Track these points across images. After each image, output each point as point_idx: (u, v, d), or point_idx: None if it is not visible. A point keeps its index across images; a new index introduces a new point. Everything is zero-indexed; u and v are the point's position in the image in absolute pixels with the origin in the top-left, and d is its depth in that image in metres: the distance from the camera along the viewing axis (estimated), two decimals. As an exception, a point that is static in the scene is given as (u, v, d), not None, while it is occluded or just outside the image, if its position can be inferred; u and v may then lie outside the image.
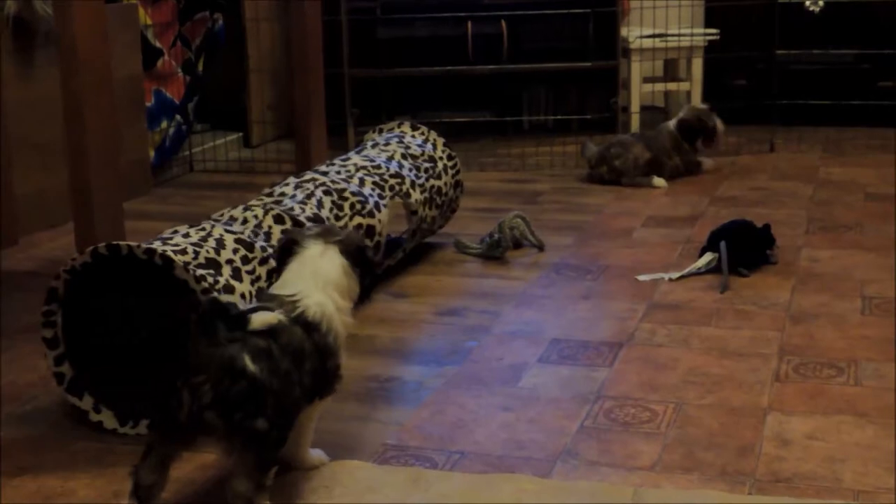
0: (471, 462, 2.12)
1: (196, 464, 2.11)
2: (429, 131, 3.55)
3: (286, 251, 2.07)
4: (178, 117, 4.76)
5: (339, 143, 4.72)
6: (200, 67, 4.89)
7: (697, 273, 3.18)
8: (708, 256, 3.22)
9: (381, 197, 3.05)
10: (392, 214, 3.10)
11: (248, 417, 1.80)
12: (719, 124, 4.53)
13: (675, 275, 3.17)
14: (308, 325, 1.95)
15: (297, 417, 1.94)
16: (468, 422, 2.30)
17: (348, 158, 3.24)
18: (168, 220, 3.76)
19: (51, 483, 2.08)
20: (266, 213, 2.66)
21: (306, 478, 2.06)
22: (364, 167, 3.15)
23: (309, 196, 2.86)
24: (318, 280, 2.00)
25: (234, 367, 1.80)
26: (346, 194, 2.94)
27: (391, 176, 3.17)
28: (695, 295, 3.03)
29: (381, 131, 3.60)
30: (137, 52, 4.38)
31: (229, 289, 2.31)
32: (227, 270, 2.36)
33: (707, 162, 4.60)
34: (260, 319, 1.86)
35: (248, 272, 2.42)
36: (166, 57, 4.64)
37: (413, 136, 3.51)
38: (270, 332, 1.87)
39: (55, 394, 2.45)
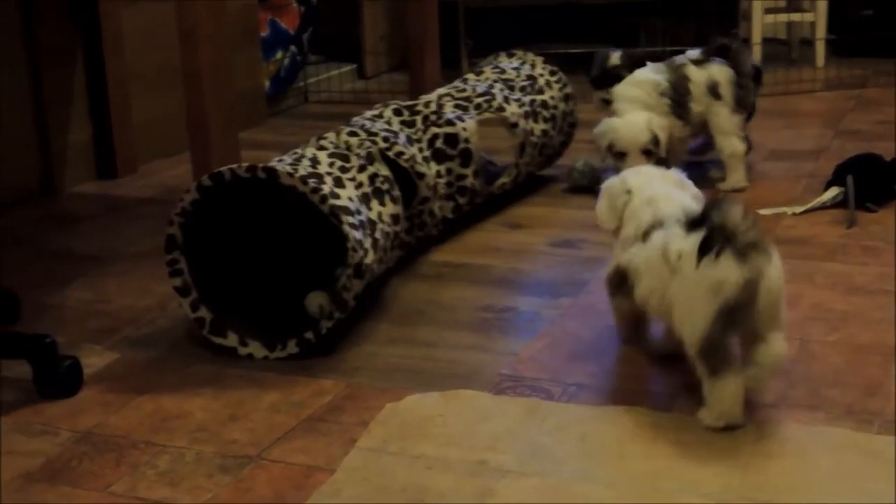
0: (587, 394, 2.08)
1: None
2: (525, 54, 3.50)
3: None
4: (292, 48, 4.75)
5: (453, 75, 4.66)
6: (315, -3, 4.87)
7: (822, 207, 3.08)
8: (834, 191, 3.11)
9: (462, 113, 3.00)
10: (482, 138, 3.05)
11: None
12: None
13: (800, 209, 3.07)
14: None
15: None
16: (585, 354, 2.25)
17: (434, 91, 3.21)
18: (282, 149, 3.76)
19: (168, 405, 2.10)
20: (338, 133, 2.64)
21: (420, 405, 2.04)
22: (447, 94, 3.12)
23: (379, 115, 2.85)
24: None
25: None
26: (419, 108, 2.91)
27: (478, 95, 3.12)
28: (819, 230, 2.93)
29: (481, 71, 3.53)
30: (253, -19, 4.38)
31: (335, 195, 2.30)
32: (328, 181, 2.35)
33: None
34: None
35: (350, 179, 2.41)
36: (281, -14, 4.62)
37: (509, 62, 3.46)
38: None
39: (172, 317, 2.48)
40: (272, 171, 2.24)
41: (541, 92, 3.32)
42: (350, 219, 2.27)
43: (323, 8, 4.95)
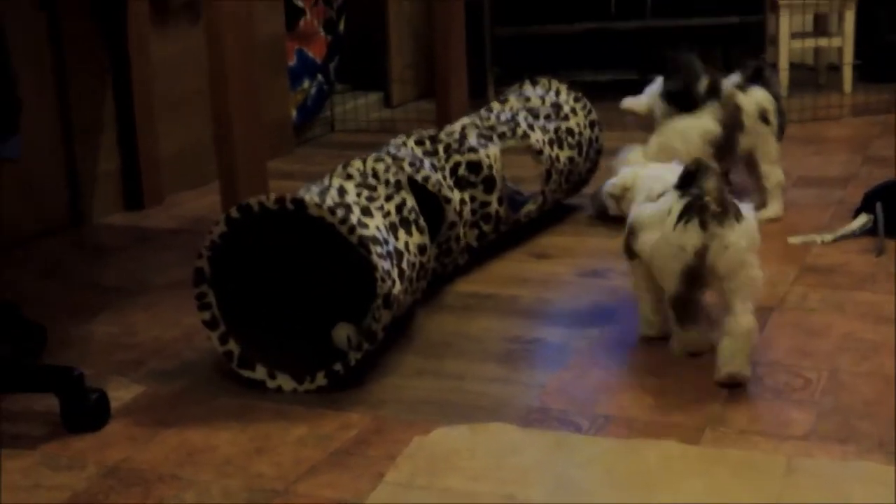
0: (616, 427, 2.06)
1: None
2: (549, 81, 3.49)
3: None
4: (319, 77, 4.77)
5: (480, 104, 4.66)
6: (342, 27, 4.89)
7: (852, 235, 3.06)
8: (862, 218, 3.09)
9: (486, 142, 2.99)
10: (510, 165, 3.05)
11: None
12: None
13: (829, 237, 3.05)
14: None
15: None
16: (613, 385, 2.24)
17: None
18: (309, 179, 3.77)
19: (194, 438, 2.09)
20: (365, 160, 2.64)
21: (448, 439, 2.03)
22: (471, 123, 3.12)
23: (403, 144, 2.85)
24: None
25: None
26: (441, 137, 2.91)
27: (502, 123, 3.12)
28: (849, 258, 2.91)
29: (505, 99, 3.53)
30: (280, 12, 4.40)
31: (363, 224, 2.30)
32: (356, 210, 2.35)
33: None
34: None
35: (377, 208, 2.42)
36: (308, 16, 4.64)
37: (534, 89, 3.45)
38: None
39: (199, 349, 2.48)
40: (300, 203, 2.24)
41: (566, 119, 3.32)
42: (378, 248, 2.27)
43: (350, 37, 4.97)
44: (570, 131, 3.30)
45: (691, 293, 2.23)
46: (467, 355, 2.42)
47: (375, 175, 2.56)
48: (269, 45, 4.28)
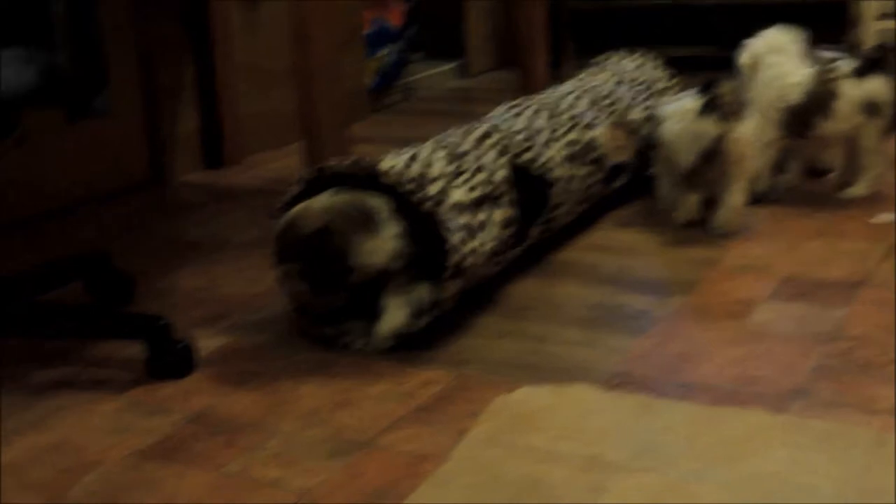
0: (699, 394, 2.05)
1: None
2: (644, 55, 3.48)
3: None
4: (396, 45, 4.77)
5: (556, 75, 4.65)
6: (420, -5, 4.89)
7: (943, 214, 3.01)
8: (951, 199, 3.04)
9: (597, 115, 2.98)
10: (613, 139, 3.03)
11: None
12: None
13: (914, 217, 3.01)
14: None
15: None
16: (696, 354, 2.23)
17: (560, 86, 3.19)
18: (387, 144, 3.78)
19: (278, 389, 2.11)
20: (475, 128, 2.64)
21: (531, 398, 2.03)
22: (577, 90, 3.09)
23: (519, 114, 2.83)
24: None
25: None
26: (561, 110, 2.90)
27: (605, 96, 3.10)
28: (936, 238, 2.87)
29: (595, 64, 3.53)
30: (360, -22, 4.41)
31: (439, 195, 2.29)
32: (439, 182, 2.34)
33: None
34: None
35: (463, 182, 2.40)
36: (388, -17, 4.65)
37: (628, 62, 3.43)
38: None
39: (279, 305, 2.49)
40: (373, 167, 2.24)
41: (659, 97, 3.30)
42: (452, 221, 2.26)
43: (427, 6, 4.96)
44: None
45: (702, 169, 2.84)
46: (550, 319, 2.41)
47: (479, 146, 2.55)
48: (347, 12, 4.29)
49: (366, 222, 2.22)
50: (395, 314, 2.28)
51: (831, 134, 3.12)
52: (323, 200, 2.23)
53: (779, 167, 3.22)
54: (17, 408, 2.07)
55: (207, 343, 2.32)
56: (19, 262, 2.77)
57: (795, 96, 3.08)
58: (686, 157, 2.83)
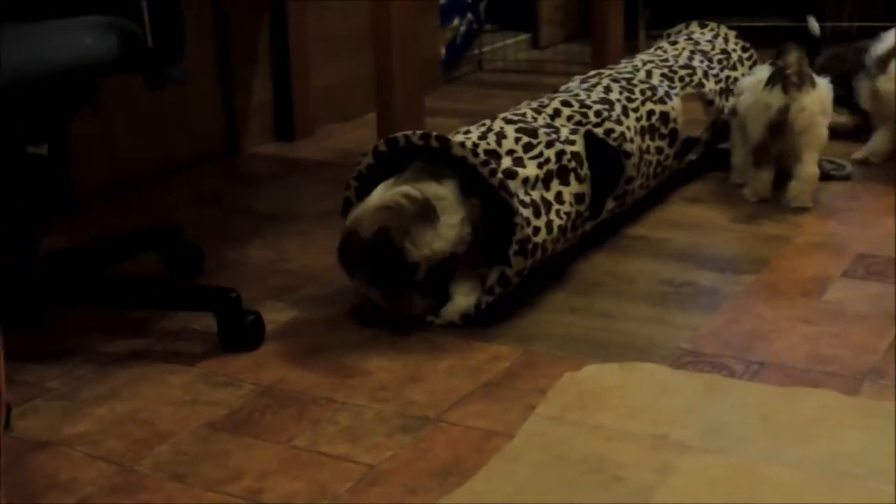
0: (770, 373, 2.03)
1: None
2: (718, 26, 3.44)
3: None
4: (469, 15, 4.75)
5: (630, 46, 4.60)
6: (493, -35, 4.86)
7: None
8: None
9: (671, 87, 2.95)
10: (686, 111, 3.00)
11: None
12: None
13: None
14: None
15: None
16: (767, 332, 2.20)
17: (633, 58, 3.16)
18: (457, 116, 3.77)
19: (347, 363, 2.12)
20: (550, 101, 2.62)
21: (599, 375, 2.02)
22: (651, 61, 3.06)
23: (594, 85, 2.80)
24: None
25: None
26: (635, 81, 2.87)
27: (681, 67, 3.06)
28: None
29: (668, 35, 3.49)
30: (432, -51, 4.39)
31: (510, 169, 2.28)
32: (509, 156, 2.33)
33: None
34: None
35: (534, 157, 2.37)
36: (460, -46, 4.62)
37: (702, 33, 3.39)
38: None
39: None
40: (445, 141, 2.24)
41: (734, 68, 3.25)
42: (522, 196, 2.25)
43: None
44: (736, 82, 3.22)
45: (771, 143, 2.82)
46: (618, 295, 2.40)
47: (554, 117, 2.54)
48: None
49: (424, 213, 2.20)
50: (461, 300, 2.28)
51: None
52: (379, 195, 2.22)
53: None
54: (90, 379, 2.10)
55: (277, 316, 2.33)
56: (96, 233, 2.81)
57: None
58: (755, 129, 2.84)
